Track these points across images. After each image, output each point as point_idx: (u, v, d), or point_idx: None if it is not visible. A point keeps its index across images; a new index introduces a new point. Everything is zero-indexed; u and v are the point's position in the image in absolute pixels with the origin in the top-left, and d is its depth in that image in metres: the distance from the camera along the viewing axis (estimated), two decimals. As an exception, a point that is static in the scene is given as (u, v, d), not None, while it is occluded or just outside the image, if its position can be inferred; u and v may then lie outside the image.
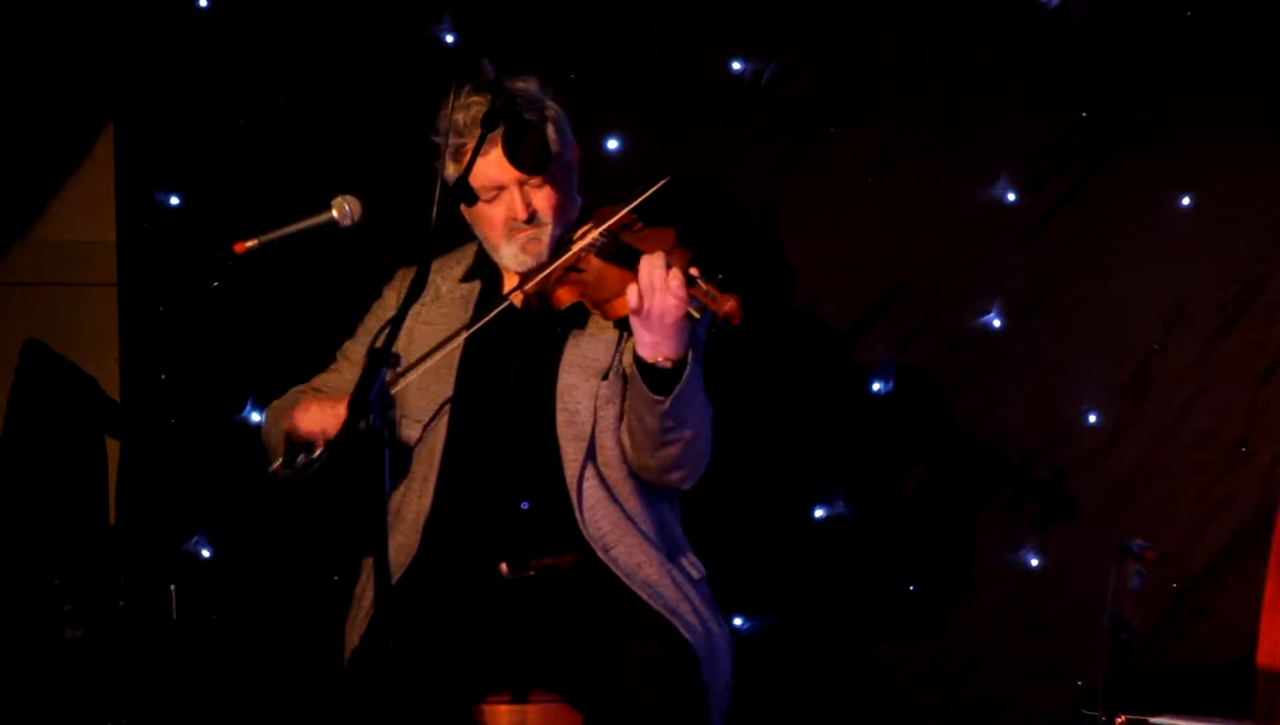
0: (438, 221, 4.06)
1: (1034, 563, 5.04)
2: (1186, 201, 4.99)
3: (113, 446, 5.19)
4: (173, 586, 5.07)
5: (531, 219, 4.36)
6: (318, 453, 4.27)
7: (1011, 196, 5.04)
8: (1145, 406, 5.01)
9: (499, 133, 4.19)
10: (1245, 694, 4.57)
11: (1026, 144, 5.03)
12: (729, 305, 4.07)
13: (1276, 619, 4.51)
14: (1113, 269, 5.01)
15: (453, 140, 4.31)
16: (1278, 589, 4.52)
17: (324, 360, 4.64)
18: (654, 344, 4.17)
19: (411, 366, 4.29)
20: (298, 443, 4.30)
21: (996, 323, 5.05)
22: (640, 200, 4.29)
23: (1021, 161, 5.03)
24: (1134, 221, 5.00)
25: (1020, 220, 5.04)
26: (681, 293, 4.10)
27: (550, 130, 4.37)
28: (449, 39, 5.13)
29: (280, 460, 4.36)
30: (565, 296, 4.32)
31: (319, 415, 4.27)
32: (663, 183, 4.28)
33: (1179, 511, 4.99)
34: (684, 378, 4.17)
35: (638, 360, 4.20)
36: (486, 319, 4.30)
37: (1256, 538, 4.85)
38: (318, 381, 4.55)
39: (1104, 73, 5.00)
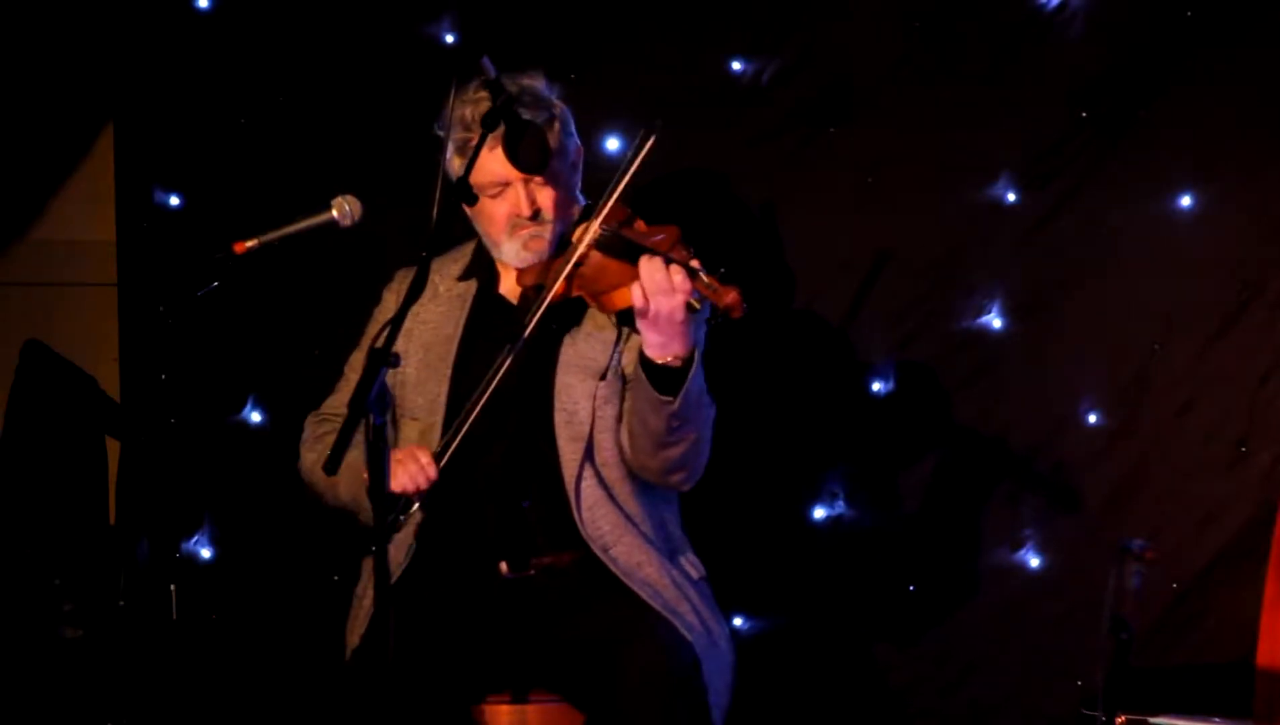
0: (439, 217, 4.05)
1: (1034, 563, 5.04)
2: (1186, 202, 4.99)
3: (113, 446, 5.19)
4: (173, 586, 5.07)
5: (535, 216, 4.36)
6: (414, 507, 4.27)
7: (1011, 196, 5.04)
8: (1145, 407, 5.01)
9: (500, 132, 4.19)
10: (1245, 694, 4.57)
11: (1026, 144, 5.03)
12: (730, 297, 4.07)
13: (1276, 619, 4.51)
14: (1113, 269, 5.01)
15: (459, 134, 4.32)
16: (1278, 589, 4.52)
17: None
18: (662, 344, 4.16)
19: (481, 393, 4.26)
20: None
21: (996, 323, 5.05)
22: (631, 171, 4.26)
23: (1021, 161, 5.03)
24: (1134, 221, 5.00)
25: (1020, 220, 5.04)
26: (686, 287, 4.10)
27: (556, 127, 4.37)
28: (449, 39, 5.14)
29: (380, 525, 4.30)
30: (562, 289, 4.32)
31: (409, 475, 4.23)
32: (649, 144, 4.25)
33: (1179, 511, 4.99)
34: (691, 375, 4.16)
35: (645, 362, 4.19)
36: (532, 325, 4.25)
37: (1256, 538, 4.85)
38: (328, 407, 4.53)
39: (1104, 73, 5.00)
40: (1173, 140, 4.98)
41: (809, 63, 5.08)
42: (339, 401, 4.52)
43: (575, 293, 4.30)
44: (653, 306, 4.11)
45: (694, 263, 4.13)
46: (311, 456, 4.49)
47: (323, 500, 4.47)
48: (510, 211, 4.36)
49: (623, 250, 4.23)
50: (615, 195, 4.26)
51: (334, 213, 4.24)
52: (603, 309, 4.30)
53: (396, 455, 4.23)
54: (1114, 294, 5.01)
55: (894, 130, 5.06)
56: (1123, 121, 5.00)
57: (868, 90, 5.06)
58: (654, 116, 5.04)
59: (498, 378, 4.25)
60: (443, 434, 4.36)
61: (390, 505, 4.23)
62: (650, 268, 4.12)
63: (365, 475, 4.19)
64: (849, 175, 5.08)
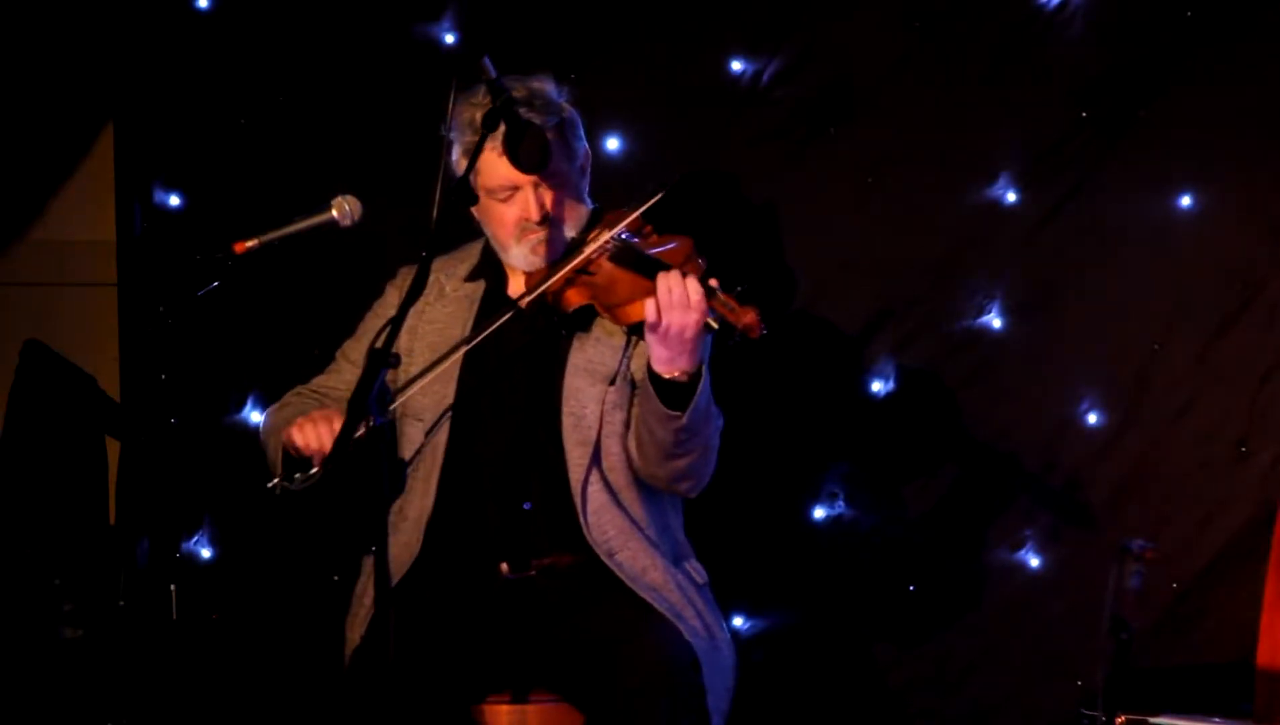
0: (440, 218, 4.05)
1: (1034, 563, 5.04)
2: (1186, 201, 4.99)
3: (113, 446, 5.19)
4: (173, 586, 5.07)
5: (544, 220, 4.35)
6: (314, 471, 4.23)
7: (1011, 196, 5.04)
8: (1145, 406, 5.01)
9: (501, 133, 4.19)
10: (1245, 694, 4.57)
11: (1026, 144, 5.03)
12: (748, 318, 4.04)
13: (1276, 619, 4.51)
14: (1113, 269, 5.01)
15: (467, 136, 4.31)
16: (1278, 589, 4.52)
17: (324, 360, 4.64)
18: (670, 359, 4.15)
19: (416, 377, 4.29)
20: (295, 458, 4.26)
21: (996, 323, 5.05)
22: (652, 202, 4.27)
23: (1021, 161, 5.03)
24: (1134, 221, 5.00)
25: (1020, 220, 5.04)
26: (703, 307, 4.07)
27: (564, 131, 4.36)
28: (449, 39, 5.14)
29: (278, 477, 4.32)
30: (574, 298, 4.30)
31: (315, 433, 4.23)
32: (666, 190, 4.26)
33: (1179, 511, 4.99)
34: (698, 391, 4.15)
35: (652, 375, 4.18)
36: (494, 327, 4.27)
37: (1256, 538, 4.85)
38: (316, 383, 4.55)
39: (1104, 73, 5.00)
40: (1173, 140, 4.99)
41: (809, 63, 5.08)
42: (327, 380, 4.52)
43: (586, 302, 4.29)
44: (665, 322, 4.09)
45: (712, 282, 4.10)
46: (269, 420, 4.49)
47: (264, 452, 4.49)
48: (519, 215, 4.35)
49: (635, 262, 4.21)
50: (632, 219, 4.26)
51: (334, 213, 4.24)
52: (615, 321, 4.27)
53: (313, 414, 4.22)
54: (1114, 294, 5.01)
55: (894, 130, 5.06)
56: (1123, 121, 5.00)
57: (868, 90, 5.06)
58: (654, 116, 5.08)
59: (482, 335, 4.25)
60: (450, 436, 4.36)
61: (300, 466, 4.21)
62: (668, 283, 4.09)
63: (288, 434, 4.24)
64: (849, 175, 5.08)
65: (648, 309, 4.09)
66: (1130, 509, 5.00)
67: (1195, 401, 5.00)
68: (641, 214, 4.28)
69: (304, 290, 5.11)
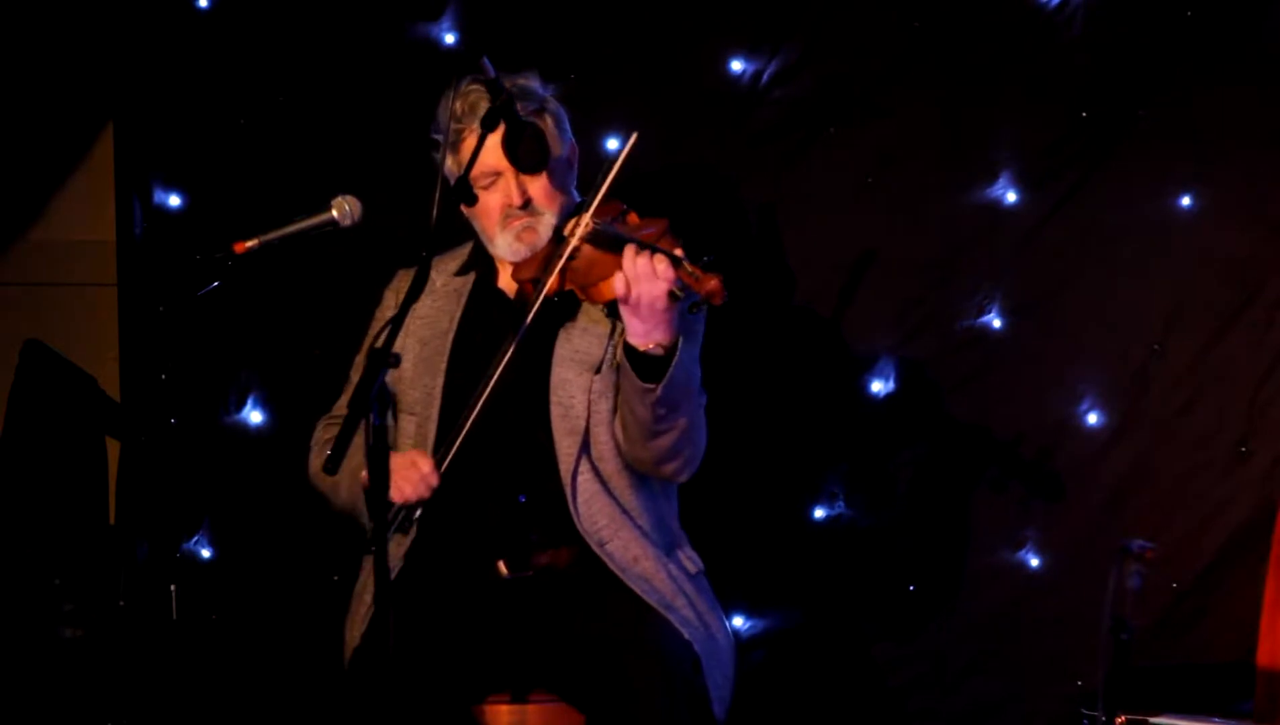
0: (439, 217, 4.06)
1: (1034, 563, 5.04)
2: (1186, 201, 4.99)
3: (113, 446, 5.19)
4: (173, 586, 5.07)
5: (526, 206, 4.37)
6: (417, 513, 4.27)
7: (1011, 196, 5.04)
8: (1145, 406, 5.01)
9: (484, 120, 4.20)
10: (1245, 694, 4.57)
11: (1026, 144, 5.03)
12: (712, 284, 4.09)
13: (1276, 619, 4.51)
14: (1113, 269, 5.01)
15: (452, 126, 4.33)
16: (1278, 589, 4.52)
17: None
18: (646, 332, 4.19)
19: (481, 391, 4.27)
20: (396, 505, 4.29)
21: (996, 323, 5.05)
22: (612, 176, 4.28)
23: (1021, 161, 5.03)
24: (1134, 221, 5.00)
25: (1020, 220, 5.04)
26: (669, 274, 4.13)
27: (550, 124, 4.39)
28: (449, 39, 5.14)
29: (393, 527, 4.32)
30: (555, 283, 4.33)
31: (412, 485, 4.23)
32: (630, 143, 4.27)
33: (1179, 511, 4.99)
34: (674, 363, 4.17)
35: (628, 349, 4.21)
36: (529, 318, 4.28)
37: (1256, 538, 4.85)
38: (337, 410, 4.55)
39: (1104, 73, 5.00)
40: (1173, 140, 4.99)
41: (809, 63, 5.08)
42: (344, 403, 4.53)
43: (567, 286, 4.32)
44: (634, 293, 4.14)
45: (677, 251, 4.16)
46: (317, 462, 4.51)
47: (329, 504, 4.48)
48: (502, 202, 4.37)
49: (612, 243, 4.25)
50: (603, 191, 4.28)
51: (334, 213, 4.24)
52: (591, 301, 4.32)
53: (397, 462, 4.23)
54: (1114, 294, 5.01)
55: (894, 130, 5.06)
56: (1123, 121, 5.00)
57: (868, 90, 5.06)
58: (654, 116, 5.08)
59: (495, 376, 4.26)
60: (438, 428, 4.36)
61: (392, 511, 4.24)
62: (633, 255, 4.15)
63: (364, 477, 4.23)
64: (849, 175, 5.08)
65: (617, 282, 4.15)
66: (1130, 509, 5.00)
67: (1195, 401, 5.00)
68: (611, 192, 4.29)
69: (304, 290, 5.11)
